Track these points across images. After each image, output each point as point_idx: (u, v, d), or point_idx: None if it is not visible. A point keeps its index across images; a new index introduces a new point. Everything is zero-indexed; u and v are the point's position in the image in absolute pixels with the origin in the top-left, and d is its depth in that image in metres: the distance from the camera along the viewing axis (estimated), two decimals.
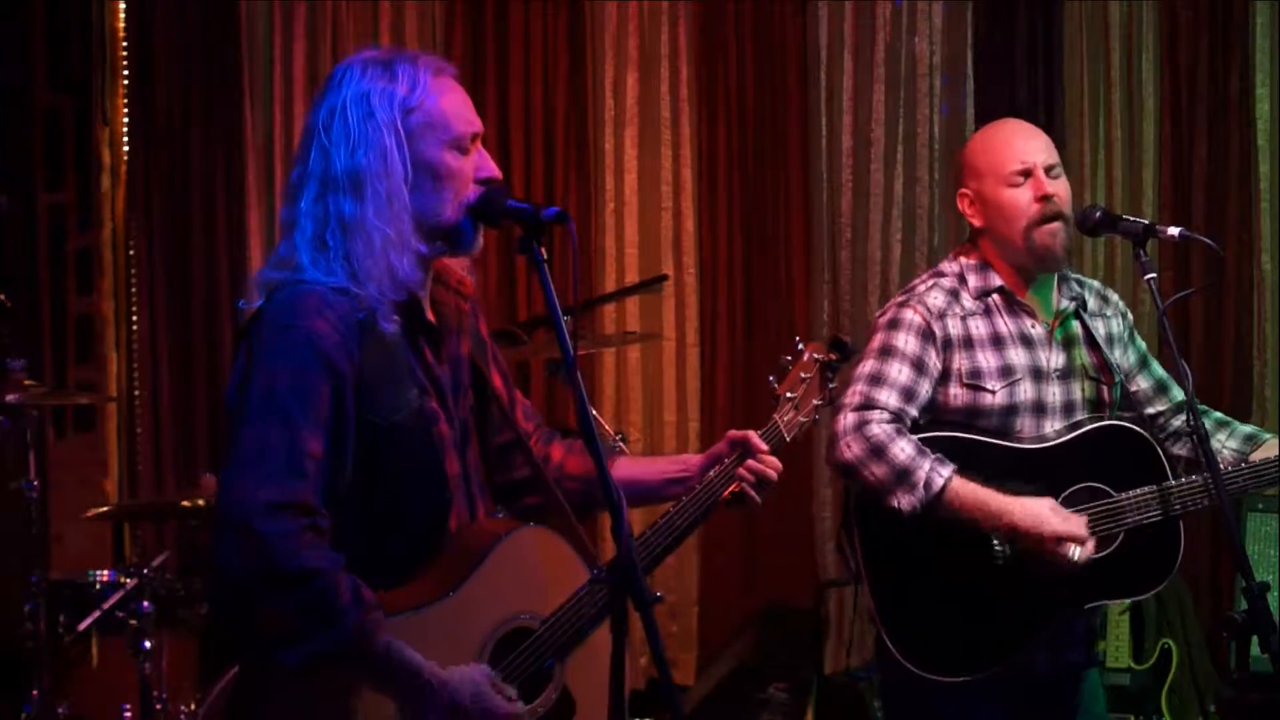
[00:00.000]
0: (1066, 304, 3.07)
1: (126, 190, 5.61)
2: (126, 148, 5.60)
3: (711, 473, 2.58)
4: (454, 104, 2.35)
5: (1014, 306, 3.03)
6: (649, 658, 5.48)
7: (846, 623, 5.59)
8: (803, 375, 2.66)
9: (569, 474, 2.64)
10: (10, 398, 4.30)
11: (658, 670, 2.87)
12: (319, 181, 2.29)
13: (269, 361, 2.21)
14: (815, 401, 2.66)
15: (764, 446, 2.55)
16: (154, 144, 5.60)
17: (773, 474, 2.55)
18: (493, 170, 2.37)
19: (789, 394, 2.64)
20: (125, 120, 5.60)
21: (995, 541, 2.92)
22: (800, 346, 2.68)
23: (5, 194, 5.36)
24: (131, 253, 5.60)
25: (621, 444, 4.90)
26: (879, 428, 2.91)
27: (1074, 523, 2.87)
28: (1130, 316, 3.20)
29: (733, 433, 2.60)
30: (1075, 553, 2.86)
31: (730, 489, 2.57)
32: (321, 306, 2.23)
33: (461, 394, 2.44)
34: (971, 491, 2.89)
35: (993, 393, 2.97)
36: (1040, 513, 2.87)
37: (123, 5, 5.60)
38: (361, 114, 2.28)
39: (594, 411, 2.56)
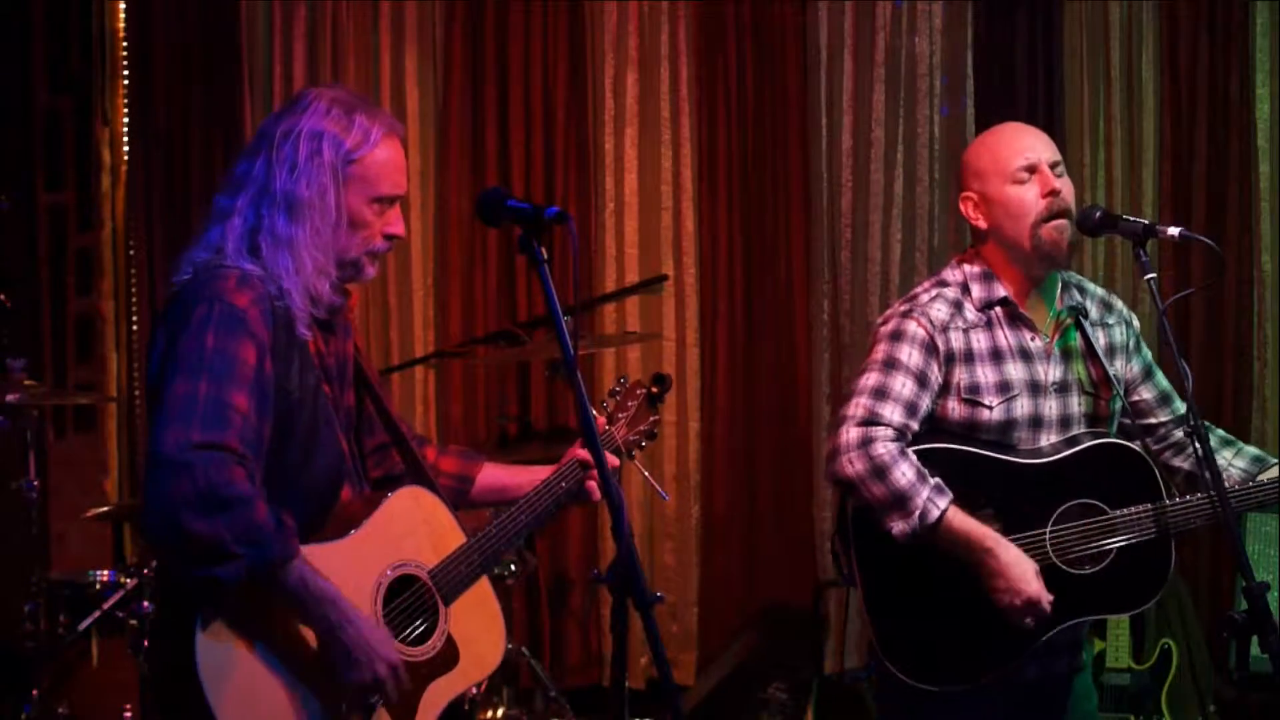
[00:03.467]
0: (1066, 315, 3.06)
1: (126, 190, 5.62)
2: (126, 148, 5.60)
3: (571, 462, 2.87)
4: (391, 165, 2.60)
5: (1015, 319, 3.02)
6: (649, 658, 5.49)
7: (846, 623, 5.59)
8: (630, 403, 3.03)
9: (443, 472, 2.91)
10: (10, 398, 4.32)
11: (658, 670, 2.90)
12: (259, 189, 2.54)
13: (195, 329, 2.42)
14: (641, 427, 3.04)
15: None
16: (154, 144, 5.61)
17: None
18: (400, 230, 2.63)
19: (619, 414, 3.02)
20: (125, 120, 5.60)
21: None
22: (624, 380, 3.09)
23: (5, 194, 5.37)
24: (131, 253, 5.60)
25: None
26: (883, 447, 2.90)
27: (1046, 595, 2.87)
28: (1136, 324, 3.18)
29: (578, 449, 2.88)
30: (1029, 620, 2.87)
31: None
32: (240, 285, 2.46)
33: (345, 386, 2.67)
34: (964, 526, 2.89)
35: (990, 408, 2.97)
36: (1025, 568, 2.88)
37: (123, 5, 5.61)
38: (311, 150, 2.53)
39: (594, 411, 2.59)
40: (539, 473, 2.90)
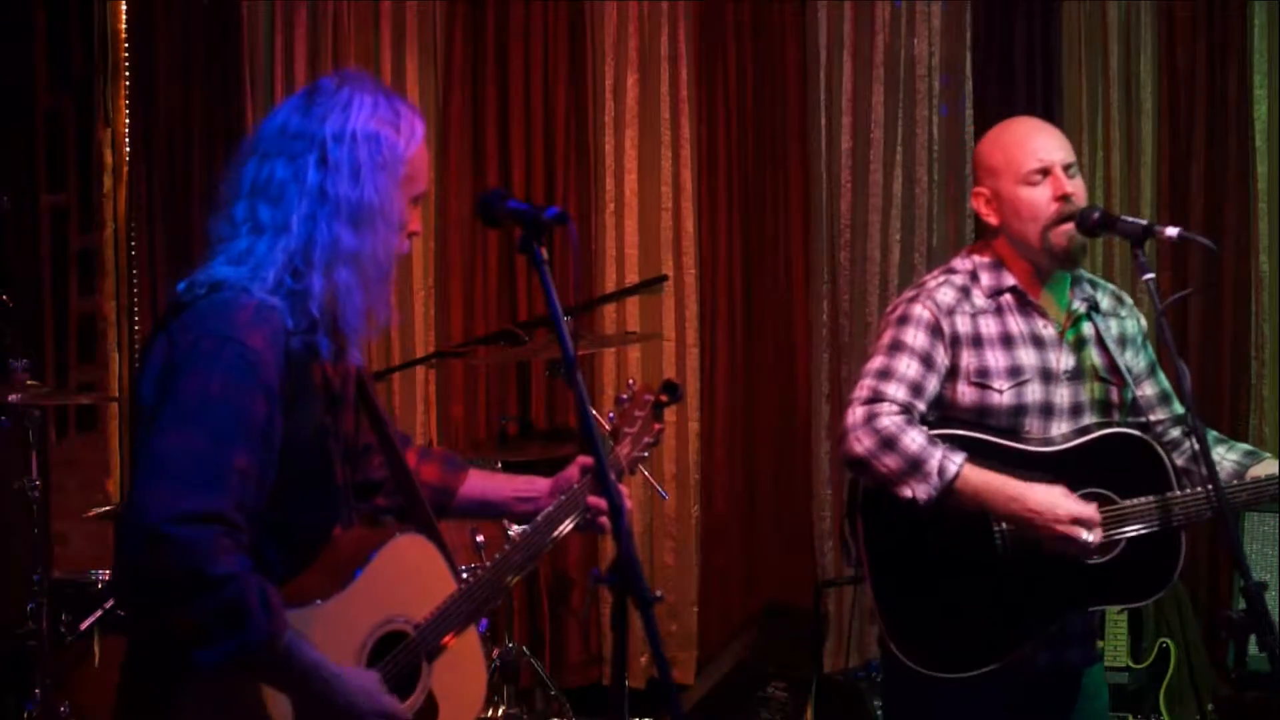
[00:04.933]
0: (1079, 305, 3.07)
1: (128, 191, 5.63)
2: (128, 149, 5.61)
3: (563, 496, 2.71)
4: (425, 161, 2.48)
5: (1026, 306, 3.03)
6: (649, 657, 5.50)
7: (846, 622, 5.60)
8: (637, 413, 2.88)
9: (425, 481, 2.72)
10: (12, 398, 4.32)
11: (658, 670, 2.91)
12: (313, 198, 2.34)
13: (203, 369, 2.21)
14: (647, 440, 2.89)
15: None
16: (155, 145, 5.62)
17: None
18: (419, 228, 2.49)
19: (626, 429, 2.86)
20: (127, 121, 5.61)
21: (994, 526, 2.93)
22: (632, 385, 2.93)
23: (7, 195, 5.37)
24: (133, 253, 5.62)
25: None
26: (889, 419, 2.91)
27: (1088, 508, 2.88)
28: (1144, 321, 3.19)
29: (583, 459, 2.73)
30: (1086, 535, 2.86)
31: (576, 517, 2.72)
32: (258, 320, 2.26)
33: (346, 408, 2.51)
34: (984, 478, 2.89)
35: (1000, 392, 2.97)
36: (1054, 498, 2.87)
37: (124, 6, 5.62)
38: (372, 152, 2.35)
39: (594, 411, 2.59)
40: (521, 482, 2.80)
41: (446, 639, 2.52)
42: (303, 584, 2.39)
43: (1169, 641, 4.74)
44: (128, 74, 5.61)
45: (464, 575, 2.60)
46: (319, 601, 2.37)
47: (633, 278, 5.67)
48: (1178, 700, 4.75)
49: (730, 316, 5.75)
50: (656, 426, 2.93)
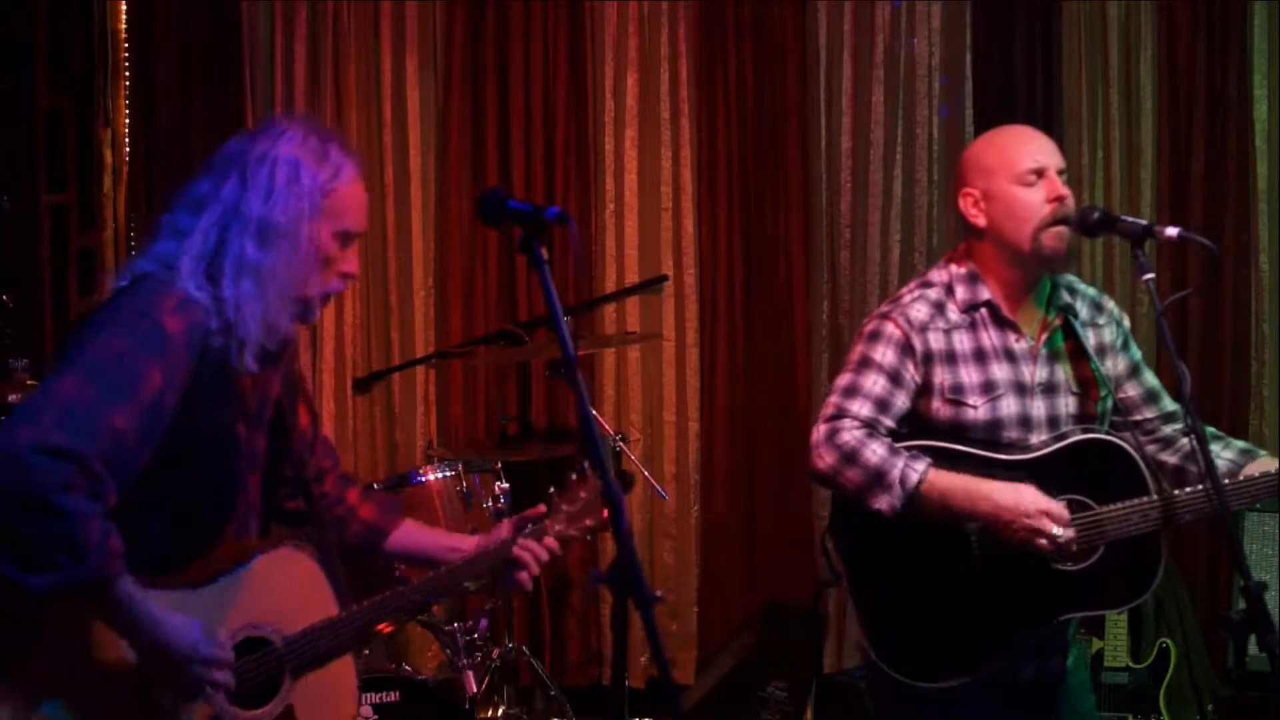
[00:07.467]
0: (1054, 317, 3.07)
1: (128, 191, 5.63)
2: (128, 149, 5.61)
3: (491, 546, 2.82)
4: (360, 201, 2.61)
5: (1000, 321, 3.03)
6: (649, 656, 5.50)
7: (846, 622, 5.60)
8: (583, 494, 2.86)
9: (361, 518, 2.89)
10: (12, 398, 4.33)
11: (658, 669, 2.92)
12: (226, 211, 2.51)
13: (111, 334, 2.38)
14: (588, 523, 2.87)
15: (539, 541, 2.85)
16: (155, 144, 5.62)
17: (544, 555, 2.85)
18: (356, 270, 2.62)
19: (565, 506, 2.86)
20: (127, 121, 5.61)
21: (970, 535, 2.93)
22: (586, 469, 2.88)
23: (7, 195, 5.37)
24: (133, 253, 5.61)
25: (622, 443, 4.91)
26: (849, 434, 2.92)
27: (1055, 504, 2.88)
28: (1126, 323, 3.19)
29: (511, 521, 2.87)
30: (1055, 529, 2.86)
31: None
32: (180, 310, 2.42)
33: (261, 426, 2.62)
34: (948, 481, 2.89)
35: (975, 408, 2.97)
36: (1020, 495, 2.88)
37: (124, 6, 5.61)
38: (289, 176, 2.51)
39: (594, 411, 2.60)
40: (457, 540, 2.89)
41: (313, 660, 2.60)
42: (182, 575, 2.50)
43: (1169, 641, 4.74)
44: (128, 74, 5.61)
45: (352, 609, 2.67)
46: (186, 589, 2.48)
47: (633, 278, 5.68)
48: (1178, 700, 4.75)
49: (730, 316, 5.75)
50: (604, 513, 2.85)
